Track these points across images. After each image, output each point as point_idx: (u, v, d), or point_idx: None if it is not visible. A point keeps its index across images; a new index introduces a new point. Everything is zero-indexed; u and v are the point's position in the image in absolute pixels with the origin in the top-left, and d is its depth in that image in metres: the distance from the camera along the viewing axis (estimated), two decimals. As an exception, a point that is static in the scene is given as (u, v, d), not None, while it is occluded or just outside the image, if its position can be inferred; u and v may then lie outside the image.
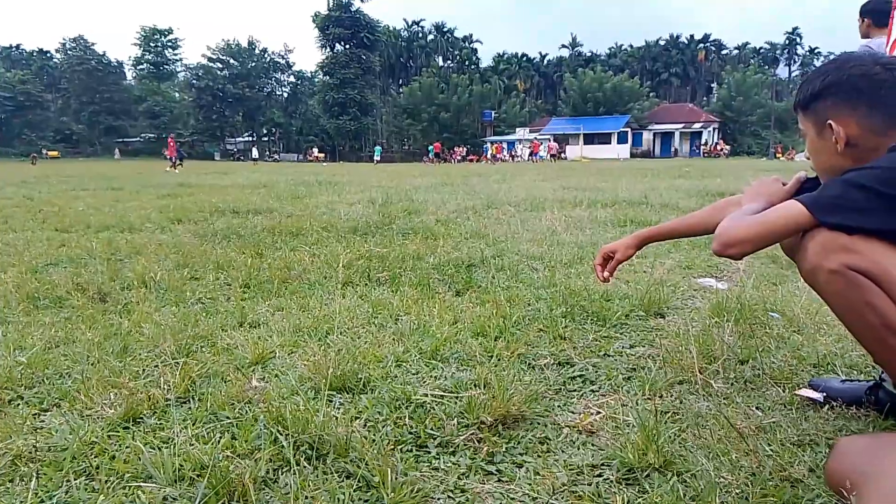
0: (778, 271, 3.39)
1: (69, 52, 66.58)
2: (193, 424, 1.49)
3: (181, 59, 72.15)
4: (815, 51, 79.55)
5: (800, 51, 79.46)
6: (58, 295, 2.79)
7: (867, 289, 1.23)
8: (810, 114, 1.42)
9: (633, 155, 53.11)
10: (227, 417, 1.52)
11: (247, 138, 68.48)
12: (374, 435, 1.43)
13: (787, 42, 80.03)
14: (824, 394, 1.64)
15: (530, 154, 46.16)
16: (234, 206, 6.82)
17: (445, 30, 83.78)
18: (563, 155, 50.85)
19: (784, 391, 1.72)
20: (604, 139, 56.32)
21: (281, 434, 1.39)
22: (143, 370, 1.86)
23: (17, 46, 75.90)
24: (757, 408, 1.61)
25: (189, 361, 1.89)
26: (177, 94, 69.85)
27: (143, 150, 59.89)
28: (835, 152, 1.36)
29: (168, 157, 26.28)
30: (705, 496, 1.15)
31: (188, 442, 1.39)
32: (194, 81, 65.02)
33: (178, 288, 2.90)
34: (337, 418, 1.48)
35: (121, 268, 3.36)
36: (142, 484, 1.24)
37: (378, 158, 46.80)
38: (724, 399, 1.67)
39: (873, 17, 4.00)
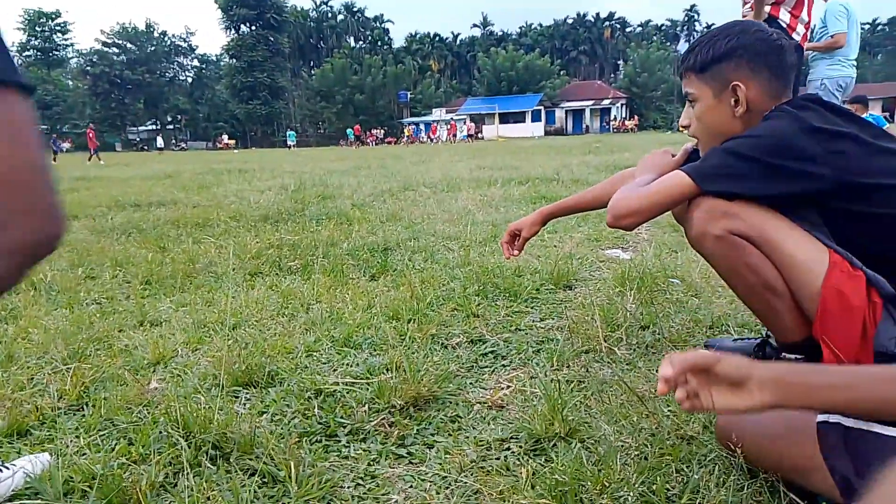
0: (679, 239, 3.56)
1: (-60, 37, 60.58)
2: (86, 433, 1.40)
3: (72, 45, 67.31)
4: (712, 27, 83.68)
5: (697, 27, 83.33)
6: (-69, 304, 2.55)
7: (747, 251, 1.31)
8: (708, 77, 1.41)
9: (547, 133, 54.32)
10: (124, 423, 1.44)
11: (150, 127, 64.94)
12: (282, 428, 1.40)
13: (686, 19, 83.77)
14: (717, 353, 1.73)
15: (450, 135, 46.37)
16: (135, 199, 6.45)
17: (355, 10, 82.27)
18: (480, 135, 51.40)
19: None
20: (518, 118, 57.25)
21: (181, 436, 1.33)
22: (31, 379, 1.73)
23: None
24: (656, 371, 1.68)
25: (81, 366, 1.77)
26: (70, 83, 65.18)
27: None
28: (731, 116, 1.38)
29: (89, 148, 25.90)
30: (607, 460, 1.19)
31: (79, 452, 1.31)
32: (88, 68, 60.87)
33: (71, 289, 2.72)
34: (241, 414, 1.43)
35: (6, 271, 3.11)
36: (27, 502, 1.15)
37: (292, 143, 45.69)
38: (626, 365, 1.73)
39: None
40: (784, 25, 3.97)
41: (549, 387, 1.53)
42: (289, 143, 45.74)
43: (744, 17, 4.11)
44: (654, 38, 76.88)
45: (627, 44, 75.59)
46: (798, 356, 1.41)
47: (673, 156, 1.65)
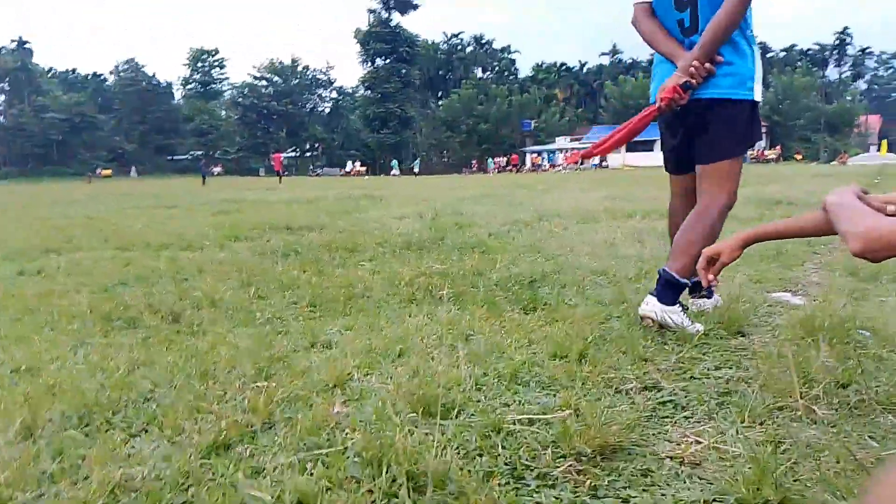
0: (857, 284, 3.23)
1: (121, 74, 69.43)
2: (283, 451, 1.47)
3: (227, 78, 74.32)
4: (867, 50, 77.10)
5: (850, 51, 77.05)
6: (131, 315, 2.84)
7: None
8: None
9: (677, 162, 52.03)
10: (317, 445, 1.50)
11: (291, 154, 69.90)
12: (469, 465, 1.39)
13: (836, 42, 77.69)
14: (943, 422, 1.53)
15: (568, 163, 46.33)
16: (286, 223, 6.92)
17: (484, 41, 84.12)
18: (605, 163, 50.42)
19: (895, 418, 1.61)
20: (647, 146, 55.37)
21: (373, 463, 1.36)
22: (226, 393, 1.87)
23: (74, 71, 79.55)
24: (870, 437, 1.51)
25: (270, 385, 1.88)
26: (223, 113, 71.88)
27: (191, 167, 61.73)
28: None
29: (276, 171, 28.73)
30: (836, 538, 1.07)
31: (281, 471, 1.38)
32: (240, 99, 66.88)
33: (245, 308, 2.93)
34: (430, 448, 1.44)
35: (187, 287, 3.42)
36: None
37: (416, 171, 48.01)
38: (831, 427, 1.57)
39: None
40: None
41: (747, 445, 1.42)
42: (415, 169, 47.91)
43: None
44: (800, 62, 71.89)
45: (770, 70, 71.35)
46: None
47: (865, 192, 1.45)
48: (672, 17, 2.49)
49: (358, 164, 58.94)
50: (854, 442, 1.48)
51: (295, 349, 2.30)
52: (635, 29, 2.64)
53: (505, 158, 57.37)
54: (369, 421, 1.61)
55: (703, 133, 2.49)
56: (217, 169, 56.34)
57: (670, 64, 2.47)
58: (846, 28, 78.60)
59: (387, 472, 1.32)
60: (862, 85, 79.74)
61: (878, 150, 40.37)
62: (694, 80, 2.32)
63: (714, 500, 1.26)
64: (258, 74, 67.89)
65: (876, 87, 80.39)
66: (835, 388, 1.79)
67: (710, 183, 2.50)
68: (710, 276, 1.78)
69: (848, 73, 77.13)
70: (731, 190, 2.51)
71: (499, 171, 50.55)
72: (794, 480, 1.31)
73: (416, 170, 50.14)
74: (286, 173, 39.23)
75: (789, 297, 3.04)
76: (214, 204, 11.66)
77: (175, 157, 66.52)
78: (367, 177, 43.83)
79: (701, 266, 1.80)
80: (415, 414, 1.67)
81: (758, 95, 2.45)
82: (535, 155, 56.09)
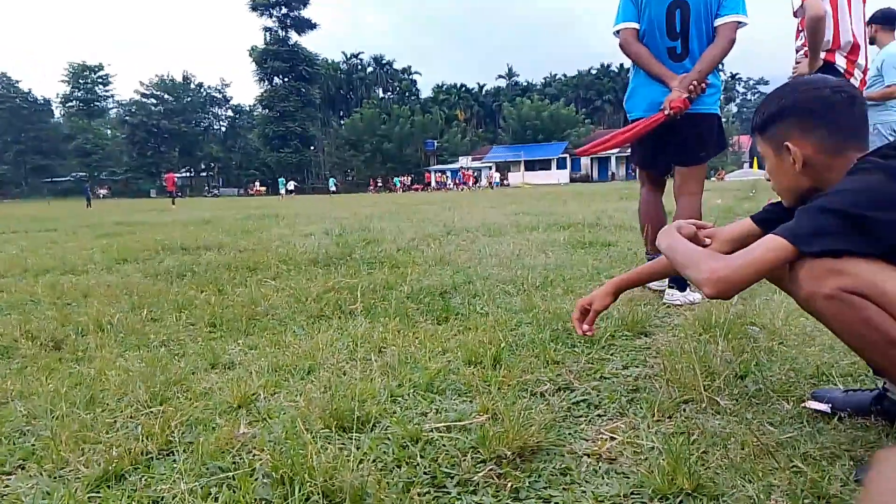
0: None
1: (-8, 89, 63.74)
2: (183, 478, 1.35)
3: (113, 96, 70.05)
4: (737, 76, 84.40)
5: (722, 77, 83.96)
6: (3, 344, 2.55)
7: (864, 307, 1.24)
8: (768, 137, 1.49)
9: (572, 179, 54.54)
10: (220, 469, 1.38)
11: (185, 174, 66.74)
12: (387, 477, 1.33)
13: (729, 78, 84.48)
14: (830, 405, 1.64)
15: (462, 181, 48.25)
16: (181, 243, 6.54)
17: (384, 62, 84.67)
18: (506, 182, 51.97)
19: (789, 404, 1.71)
20: (544, 165, 57.72)
21: (285, 482, 1.27)
22: (116, 421, 1.70)
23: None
24: (769, 423, 1.59)
25: (165, 409, 1.73)
26: (108, 132, 67.60)
27: (74, 189, 57.49)
28: (794, 173, 1.43)
29: (169, 192, 26.84)
30: (749, 519, 1.10)
31: (181, 498, 1.26)
32: (127, 118, 63.16)
33: (138, 331, 2.71)
34: (343, 461, 1.37)
35: (71, 312, 3.13)
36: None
37: (333, 189, 49.64)
38: (733, 416, 1.64)
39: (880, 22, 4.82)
40: (841, 71, 3.93)
41: (664, 439, 1.45)
42: (330, 188, 48.19)
43: (797, 63, 4.07)
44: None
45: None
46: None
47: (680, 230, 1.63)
48: (663, 45, 2.99)
49: (258, 183, 57.29)
50: (756, 428, 1.55)
51: (193, 371, 2.15)
52: (624, 51, 3.11)
53: (410, 177, 57.78)
54: (278, 440, 1.51)
55: (688, 140, 3.01)
56: (103, 191, 52.86)
57: (657, 84, 2.98)
58: (736, 74, 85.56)
59: (300, 491, 1.24)
60: (734, 108, 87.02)
61: (751, 166, 44.04)
62: (694, 97, 2.87)
63: (632, 493, 1.27)
64: (147, 92, 64.47)
65: (745, 109, 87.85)
66: (734, 380, 1.88)
67: (693, 181, 3.10)
68: (585, 327, 1.82)
69: (722, 97, 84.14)
70: (703, 186, 3.16)
71: (404, 190, 50.78)
72: (706, 468, 1.35)
73: (333, 188, 50.11)
74: (179, 194, 37.37)
75: (685, 295, 3.19)
76: (101, 226, 10.87)
77: (55, 179, 61.56)
78: (284, 197, 42.74)
79: (575, 317, 1.85)
80: (328, 429, 1.59)
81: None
82: (439, 174, 56.85)
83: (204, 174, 69.71)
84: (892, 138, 5.09)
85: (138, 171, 62.64)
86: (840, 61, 3.94)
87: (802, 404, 1.67)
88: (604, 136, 3.15)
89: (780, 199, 1.60)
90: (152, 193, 58.35)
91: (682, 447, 1.38)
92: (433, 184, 53.34)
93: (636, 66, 3.15)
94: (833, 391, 1.72)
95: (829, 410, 1.62)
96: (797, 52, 4.13)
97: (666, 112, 2.89)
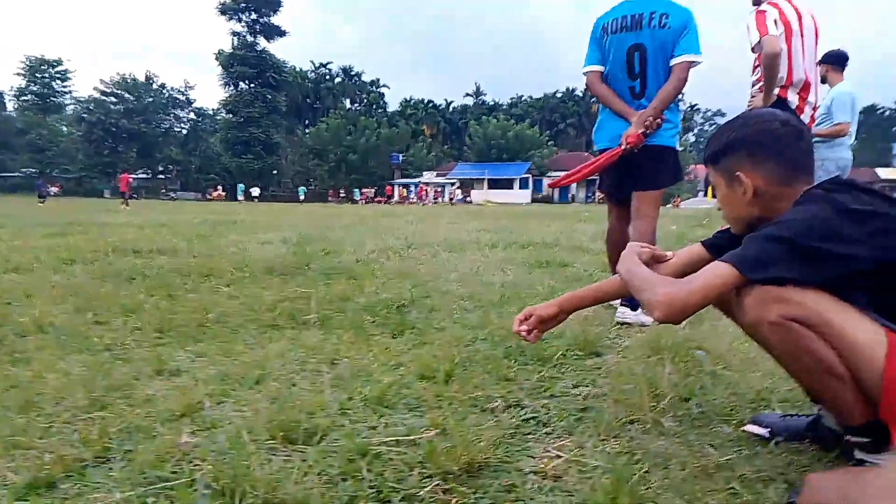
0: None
1: (-61, 78, 60.98)
2: (119, 487, 1.30)
3: (70, 92, 67.82)
4: (695, 107, 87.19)
5: (682, 106, 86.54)
6: (-67, 343, 2.44)
7: (805, 336, 1.30)
8: (719, 168, 1.54)
9: (534, 200, 55.20)
10: (159, 478, 1.34)
11: (142, 175, 65.00)
12: (332, 490, 1.31)
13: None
14: (769, 429, 1.69)
15: (423, 196, 48.84)
16: (133, 245, 6.36)
17: (353, 73, 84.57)
18: (468, 199, 52.38)
19: (730, 428, 1.75)
20: (507, 184, 58.34)
21: (226, 494, 1.24)
22: (52, 426, 1.64)
23: None
24: (710, 445, 1.63)
25: (104, 415, 1.68)
26: (64, 128, 65.40)
27: (23, 185, 55.32)
28: (744, 202, 1.49)
29: (121, 192, 25.87)
30: (686, 539, 1.12)
31: (115, 510, 1.21)
32: (84, 115, 61.17)
33: (81, 334, 2.62)
34: (288, 474, 1.34)
35: (11, 312, 3.00)
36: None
37: (302, 197, 49.88)
38: (676, 438, 1.68)
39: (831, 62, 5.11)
40: (793, 107, 4.10)
41: (604, 457, 1.47)
42: (300, 196, 48.55)
43: (752, 97, 4.24)
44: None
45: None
46: (864, 439, 1.38)
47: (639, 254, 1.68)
48: (625, 84, 3.24)
49: (220, 188, 56.25)
50: (697, 450, 1.59)
51: (137, 377, 2.09)
52: (590, 91, 3.41)
53: (374, 189, 57.58)
54: (222, 450, 1.48)
55: (645, 169, 3.24)
56: (54, 189, 51.00)
57: (621, 120, 3.22)
58: (695, 105, 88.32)
59: (241, 503, 1.21)
60: (691, 137, 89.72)
61: (706, 195, 45.37)
62: (649, 131, 3.12)
63: (575, 511, 1.29)
64: (107, 90, 62.70)
65: (702, 140, 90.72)
66: (679, 402, 1.93)
67: (648, 205, 3.31)
68: (523, 327, 1.79)
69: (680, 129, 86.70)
70: (658, 211, 3.38)
71: (366, 202, 50.59)
72: (647, 488, 1.37)
73: (302, 197, 49.84)
74: (134, 196, 36.33)
75: (636, 315, 3.25)
76: (50, 225, 10.49)
77: (4, 174, 59.14)
78: (250, 202, 42.12)
79: (518, 317, 1.83)
80: (274, 441, 1.56)
81: (678, 145, 3.37)
82: (401, 188, 56.93)
83: (162, 176, 68.04)
84: (838, 174, 5.34)
85: (93, 170, 60.66)
86: (792, 98, 4.12)
87: (742, 428, 1.72)
88: (566, 158, 3.39)
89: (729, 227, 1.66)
90: (106, 194, 56.57)
91: (625, 467, 1.41)
92: (395, 197, 53.35)
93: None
94: (772, 416, 1.78)
95: (767, 435, 1.67)
96: (752, 86, 4.30)
97: (623, 146, 3.14)
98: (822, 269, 1.27)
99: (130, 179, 27.32)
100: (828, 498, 1.10)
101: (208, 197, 54.22)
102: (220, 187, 56.78)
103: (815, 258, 1.27)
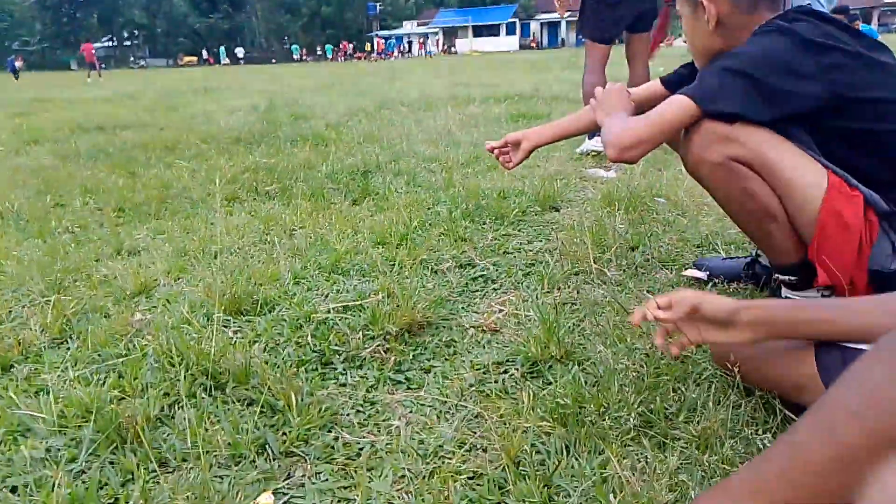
0: (663, 156, 3.52)
1: None
2: (74, 366, 1.37)
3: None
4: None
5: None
6: None
7: (745, 177, 1.30)
8: None
9: (522, 46, 52.78)
10: (112, 355, 1.40)
11: (106, 43, 61.42)
12: (276, 358, 1.38)
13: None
14: (707, 272, 1.75)
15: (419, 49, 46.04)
16: (98, 121, 6.17)
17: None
18: (453, 49, 49.96)
19: (672, 273, 1.81)
20: (493, 31, 55.45)
21: (174, 367, 1.31)
22: (10, 312, 1.68)
23: None
24: (647, 291, 1.69)
25: (62, 298, 1.72)
26: (17, -3, 60.67)
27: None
28: (708, 33, 1.42)
29: (89, 63, 24.53)
30: (605, 381, 1.20)
31: (70, 386, 1.28)
32: (34, -21, 56.54)
33: (41, 218, 2.61)
34: (234, 344, 1.40)
35: (-32, 199, 2.97)
36: (21, 438, 1.13)
37: (297, 56, 49.04)
38: (617, 286, 1.74)
39: None
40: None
41: (542, 309, 1.53)
42: (293, 55, 47.78)
43: None
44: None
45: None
46: (792, 277, 1.43)
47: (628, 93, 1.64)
48: None
49: (193, 57, 53.54)
50: (634, 297, 1.66)
51: (97, 258, 2.11)
52: None
53: (352, 45, 54.72)
54: (174, 325, 1.53)
55: (649, 11, 3.53)
56: (18, 63, 48.34)
57: None
58: None
59: (187, 373, 1.27)
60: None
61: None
62: None
63: (507, 360, 1.36)
64: (55, -52, 57.40)
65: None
66: (625, 252, 1.97)
67: (646, 44, 3.67)
68: (495, 146, 1.82)
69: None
70: None
71: (345, 59, 48.29)
72: (579, 335, 1.44)
73: (296, 56, 48.38)
74: (103, 66, 34.52)
75: (603, 172, 3.25)
76: (15, 103, 10.08)
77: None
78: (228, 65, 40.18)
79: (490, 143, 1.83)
80: (227, 314, 1.61)
81: None
82: (380, 40, 54.03)
83: (128, 44, 64.30)
84: (824, 3, 5.05)
85: (54, 40, 57.22)
86: None
87: (682, 273, 1.78)
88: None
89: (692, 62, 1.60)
90: (73, 66, 53.75)
91: (559, 317, 1.47)
92: (374, 52, 50.71)
93: None
94: (713, 259, 1.83)
95: (705, 277, 1.73)
96: None
97: None
98: (775, 106, 1.25)
99: (93, 49, 25.71)
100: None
101: (179, 63, 51.67)
102: (191, 55, 53.93)
103: (768, 96, 1.24)
